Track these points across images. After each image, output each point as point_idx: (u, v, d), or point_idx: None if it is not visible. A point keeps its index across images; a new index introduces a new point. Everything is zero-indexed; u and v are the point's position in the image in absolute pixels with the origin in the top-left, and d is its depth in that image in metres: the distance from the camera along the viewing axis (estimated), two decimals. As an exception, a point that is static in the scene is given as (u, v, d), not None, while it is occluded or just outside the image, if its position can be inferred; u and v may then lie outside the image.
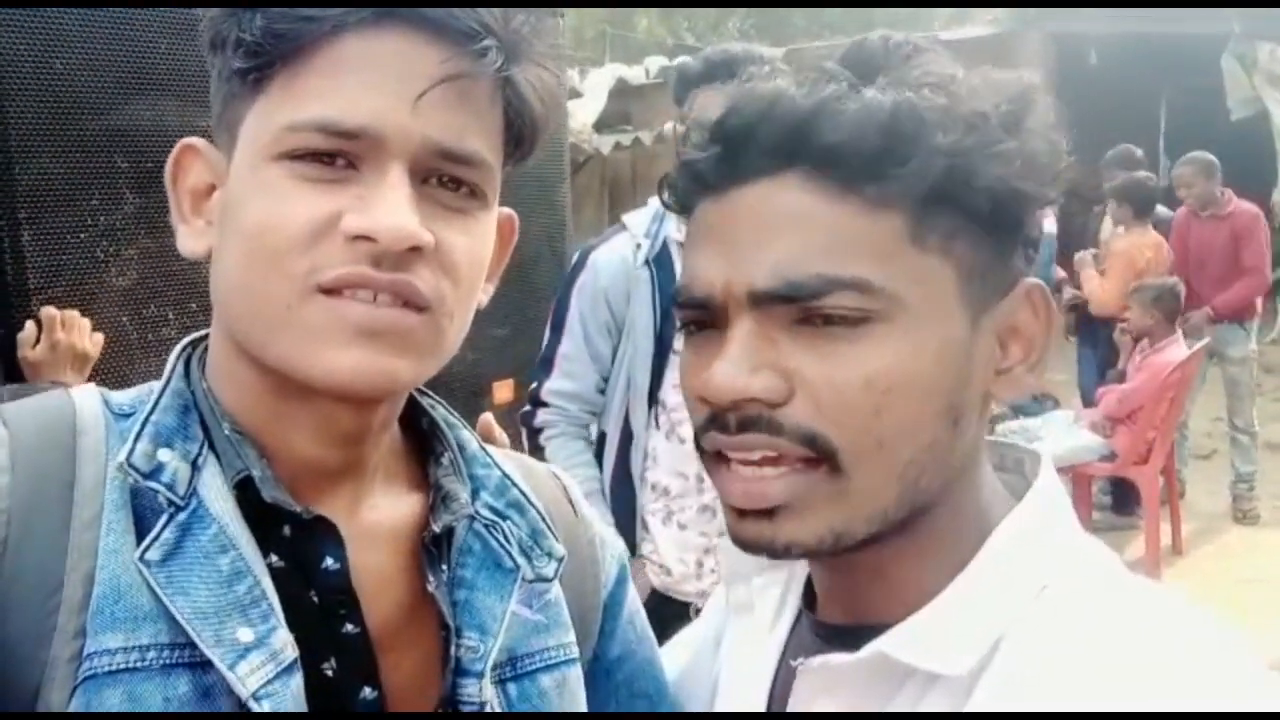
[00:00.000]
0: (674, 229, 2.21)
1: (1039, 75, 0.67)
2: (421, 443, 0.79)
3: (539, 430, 2.27)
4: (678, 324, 0.71)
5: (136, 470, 0.64)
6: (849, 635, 0.69)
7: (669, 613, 2.10)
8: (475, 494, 0.77)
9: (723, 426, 0.65)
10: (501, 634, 0.73)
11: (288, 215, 0.63)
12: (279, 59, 0.63)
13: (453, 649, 0.72)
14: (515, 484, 0.79)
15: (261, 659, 0.62)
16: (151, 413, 0.67)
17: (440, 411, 0.80)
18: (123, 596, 0.62)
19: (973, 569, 0.65)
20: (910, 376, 0.62)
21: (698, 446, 0.69)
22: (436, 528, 0.73)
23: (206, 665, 0.62)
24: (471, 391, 2.88)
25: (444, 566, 0.74)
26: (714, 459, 0.67)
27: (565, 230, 2.96)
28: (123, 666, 0.61)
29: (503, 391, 2.90)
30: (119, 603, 0.62)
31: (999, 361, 0.67)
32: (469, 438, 0.80)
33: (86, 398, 0.69)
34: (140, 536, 0.63)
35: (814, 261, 0.62)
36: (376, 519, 0.73)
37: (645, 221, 2.24)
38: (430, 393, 0.80)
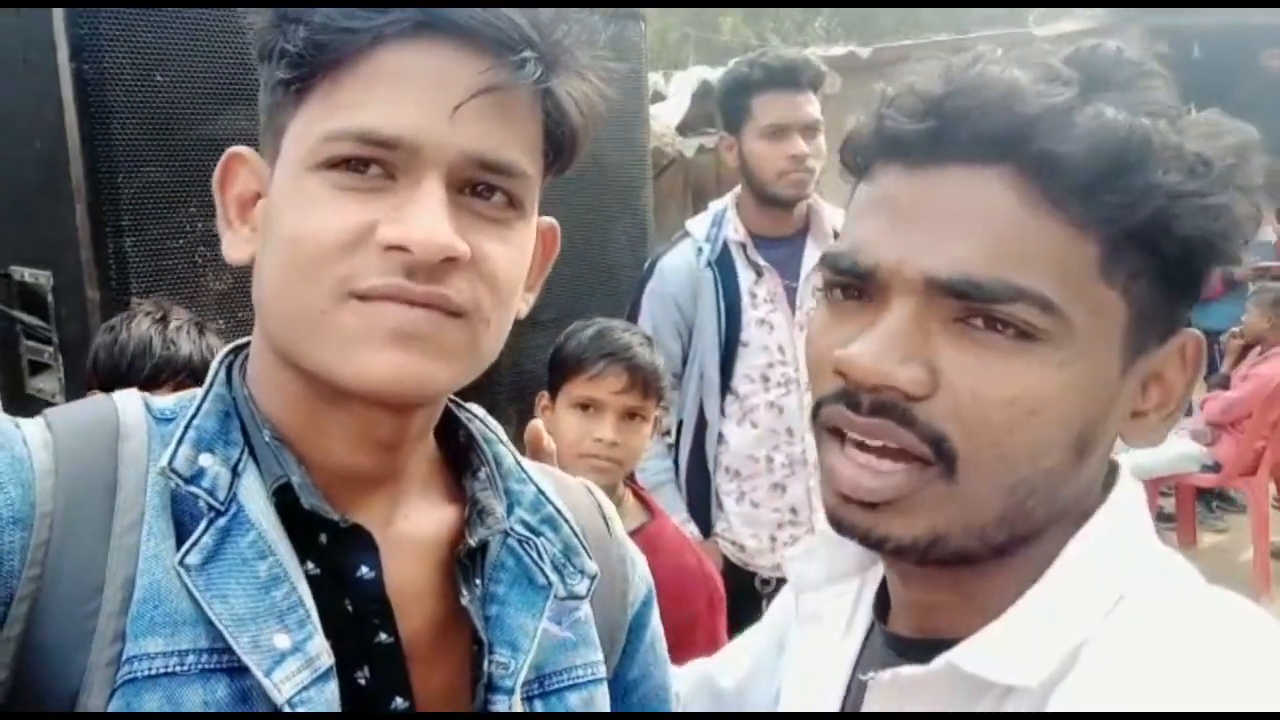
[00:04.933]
0: (731, 231, 2.37)
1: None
2: (458, 455, 0.79)
3: None
4: (820, 285, 0.70)
5: (178, 475, 0.64)
6: (922, 648, 0.68)
7: (739, 584, 2.28)
8: (510, 509, 0.77)
9: (853, 405, 0.63)
10: (533, 651, 0.73)
11: (324, 224, 0.63)
12: (320, 69, 0.63)
13: (485, 664, 0.72)
14: (550, 500, 0.79)
15: (297, 665, 0.63)
16: (194, 418, 0.67)
17: (478, 425, 0.80)
18: (163, 601, 0.62)
19: (1048, 580, 0.64)
20: (1055, 404, 0.61)
21: (814, 414, 0.67)
22: (472, 542, 0.73)
23: (245, 670, 0.62)
24: (554, 394, 2.91)
25: (477, 581, 0.74)
26: (829, 433, 0.66)
27: (647, 235, 2.97)
28: (162, 671, 0.61)
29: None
30: (159, 607, 0.62)
31: (1136, 404, 0.66)
32: (505, 452, 0.80)
33: (129, 402, 0.70)
34: (180, 541, 0.64)
35: (1002, 266, 0.59)
36: (411, 530, 0.73)
37: (706, 226, 2.40)
38: (468, 405, 0.79)
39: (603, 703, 0.79)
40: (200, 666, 0.62)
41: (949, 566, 0.65)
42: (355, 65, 0.63)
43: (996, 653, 0.62)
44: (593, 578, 0.78)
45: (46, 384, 2.40)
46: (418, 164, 0.63)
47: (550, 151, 0.70)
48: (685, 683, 1.00)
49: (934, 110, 0.62)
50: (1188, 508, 5.00)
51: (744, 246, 2.34)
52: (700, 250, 2.35)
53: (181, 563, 0.62)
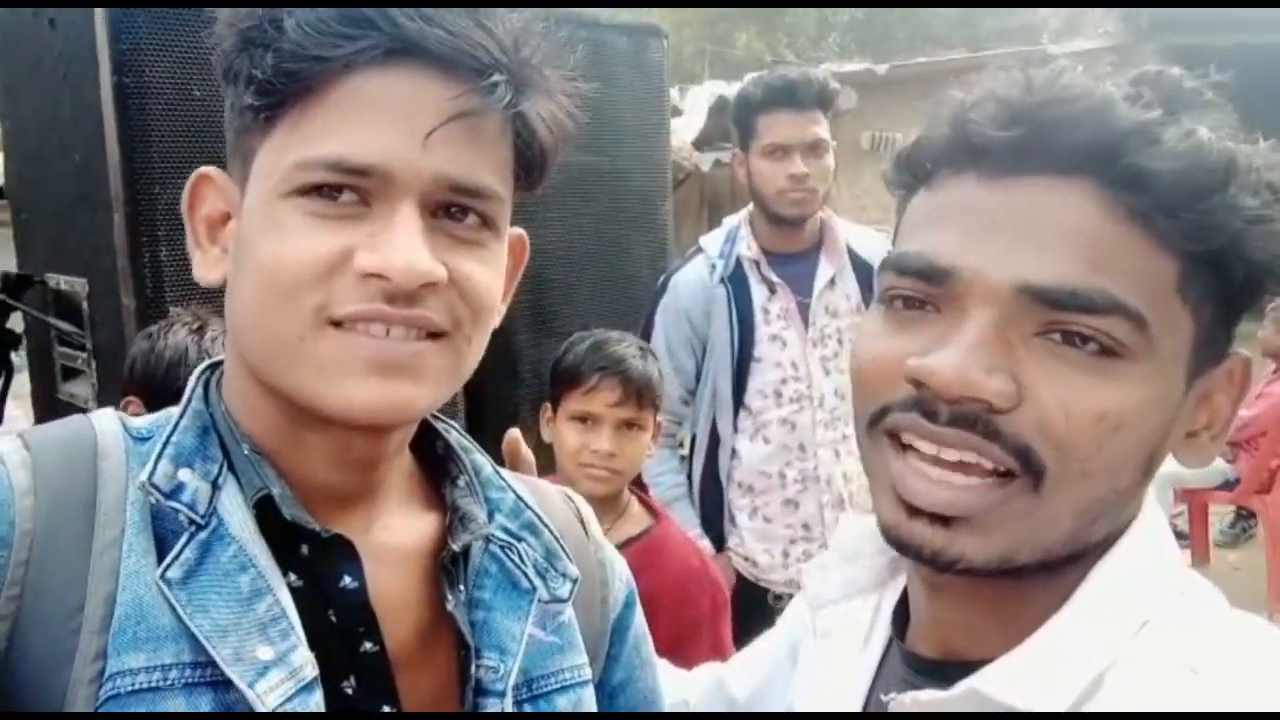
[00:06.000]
0: (744, 247, 2.37)
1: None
2: (436, 466, 0.79)
3: None
4: (876, 294, 0.68)
5: (158, 490, 0.65)
6: (943, 670, 0.67)
7: (751, 600, 2.34)
8: (491, 516, 0.77)
9: (929, 414, 0.61)
10: (520, 654, 0.73)
11: (300, 251, 0.63)
12: (290, 97, 0.63)
13: (473, 669, 0.72)
14: (529, 506, 0.80)
15: (281, 676, 0.63)
16: (172, 434, 0.68)
17: (455, 435, 0.80)
18: (145, 616, 0.62)
19: (1075, 604, 0.64)
20: (1137, 422, 0.60)
21: (873, 421, 0.65)
22: (456, 546, 0.73)
23: (229, 684, 0.62)
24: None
25: (461, 587, 0.74)
26: (891, 441, 0.64)
27: (666, 249, 3.01)
28: (145, 686, 0.61)
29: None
30: (141, 623, 0.62)
31: (1191, 424, 0.66)
32: (483, 461, 0.81)
33: (106, 422, 0.70)
34: (161, 557, 0.64)
35: (1099, 277, 0.59)
36: (392, 540, 0.74)
37: (719, 242, 2.41)
38: (444, 417, 0.80)
39: (590, 705, 0.80)
40: (184, 681, 0.61)
41: (994, 585, 0.64)
42: (326, 92, 0.63)
43: (1021, 679, 0.61)
44: (574, 581, 0.79)
45: (79, 389, 2.46)
46: (392, 190, 0.63)
47: (520, 171, 0.70)
48: (699, 688, 1.01)
49: (1023, 118, 0.60)
50: (1201, 524, 5.00)
51: (757, 263, 2.36)
52: (714, 266, 2.36)
53: (163, 577, 0.62)
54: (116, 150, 1.99)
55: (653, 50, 2.90)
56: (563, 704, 0.77)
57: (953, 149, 0.64)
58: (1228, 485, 4.90)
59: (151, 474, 0.65)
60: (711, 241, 2.43)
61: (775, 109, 2.30)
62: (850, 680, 0.76)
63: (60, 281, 2.44)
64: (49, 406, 2.61)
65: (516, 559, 0.77)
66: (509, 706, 0.72)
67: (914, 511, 0.62)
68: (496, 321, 0.73)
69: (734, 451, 2.38)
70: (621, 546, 1.80)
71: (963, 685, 0.63)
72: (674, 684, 1.00)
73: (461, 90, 0.63)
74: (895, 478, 0.63)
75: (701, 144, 6.90)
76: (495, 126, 0.66)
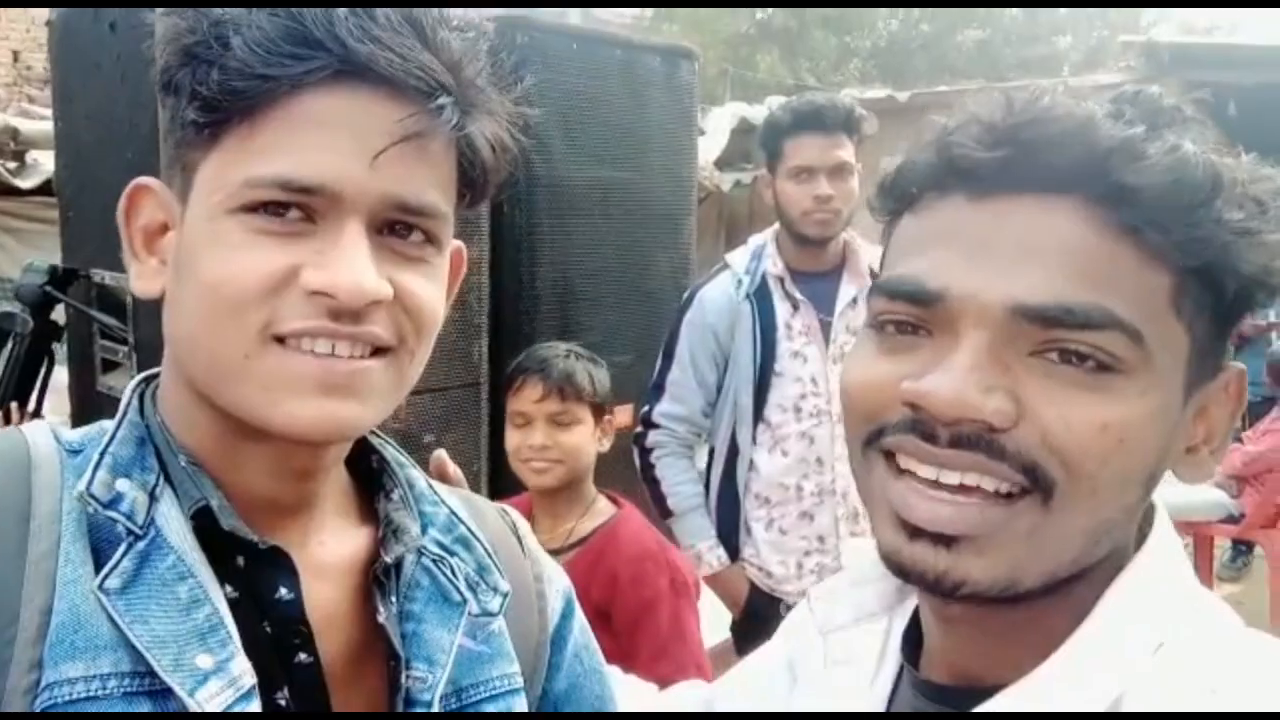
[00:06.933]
0: (770, 264, 2.43)
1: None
2: (369, 480, 0.80)
3: (650, 450, 2.49)
4: (868, 320, 0.67)
5: (96, 500, 0.64)
6: (957, 697, 0.67)
7: (764, 609, 2.40)
8: (424, 529, 0.78)
9: (928, 436, 0.60)
10: (449, 665, 0.74)
11: (246, 268, 0.63)
12: (236, 113, 0.63)
13: (402, 679, 0.73)
14: (462, 521, 0.80)
15: (220, 685, 0.63)
16: (109, 445, 0.67)
17: (390, 450, 0.81)
18: (82, 626, 0.61)
19: (1089, 627, 0.63)
20: (1140, 434, 0.59)
21: (867, 442, 0.65)
22: (389, 558, 0.74)
23: (167, 693, 0.62)
24: (594, 414, 3.02)
25: (393, 599, 0.75)
26: (888, 463, 0.63)
27: (690, 265, 3.07)
28: (84, 696, 0.60)
29: (623, 415, 3.01)
30: (79, 632, 0.61)
31: (1189, 440, 0.65)
32: (417, 476, 0.81)
33: (39, 434, 0.69)
34: (98, 567, 0.63)
35: (1093, 293, 0.58)
36: (327, 553, 0.74)
37: (745, 259, 2.47)
38: (377, 432, 0.81)
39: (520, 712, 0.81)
40: (122, 690, 0.61)
41: (1002, 615, 0.63)
42: (273, 111, 0.63)
43: (1036, 705, 0.61)
44: (505, 595, 0.80)
45: (118, 381, 2.53)
46: (340, 209, 0.64)
47: (464, 188, 0.71)
48: (685, 704, 0.99)
49: (1007, 139, 0.61)
50: (1206, 557, 5.02)
51: (782, 280, 2.41)
52: (740, 282, 2.42)
53: (101, 587, 0.62)
54: (170, 151, 2.06)
55: (684, 72, 2.98)
56: (491, 711, 0.78)
57: (938, 172, 0.64)
58: (1230, 519, 4.92)
59: (90, 484, 0.65)
60: (737, 258, 2.50)
61: (802, 133, 2.36)
62: (863, 708, 0.75)
63: (105, 277, 2.52)
64: (89, 398, 2.69)
65: (448, 572, 0.77)
66: None
67: (915, 533, 0.61)
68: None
69: (752, 463, 2.42)
70: (588, 537, 1.92)
71: (979, 712, 0.62)
72: (651, 703, 1.00)
73: (409, 112, 0.64)
74: (893, 499, 0.62)
75: (722, 164, 6.99)
76: (441, 146, 0.67)
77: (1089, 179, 0.59)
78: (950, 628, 0.68)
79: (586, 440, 1.94)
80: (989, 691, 0.63)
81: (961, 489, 0.60)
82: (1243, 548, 5.41)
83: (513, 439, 1.95)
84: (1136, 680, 0.60)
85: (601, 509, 1.96)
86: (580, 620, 0.91)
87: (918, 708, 0.69)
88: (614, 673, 0.98)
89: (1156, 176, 0.58)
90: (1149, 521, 0.68)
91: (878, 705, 0.74)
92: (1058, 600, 0.63)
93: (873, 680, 0.75)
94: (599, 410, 1.97)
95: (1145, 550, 0.65)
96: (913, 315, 0.63)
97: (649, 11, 17.20)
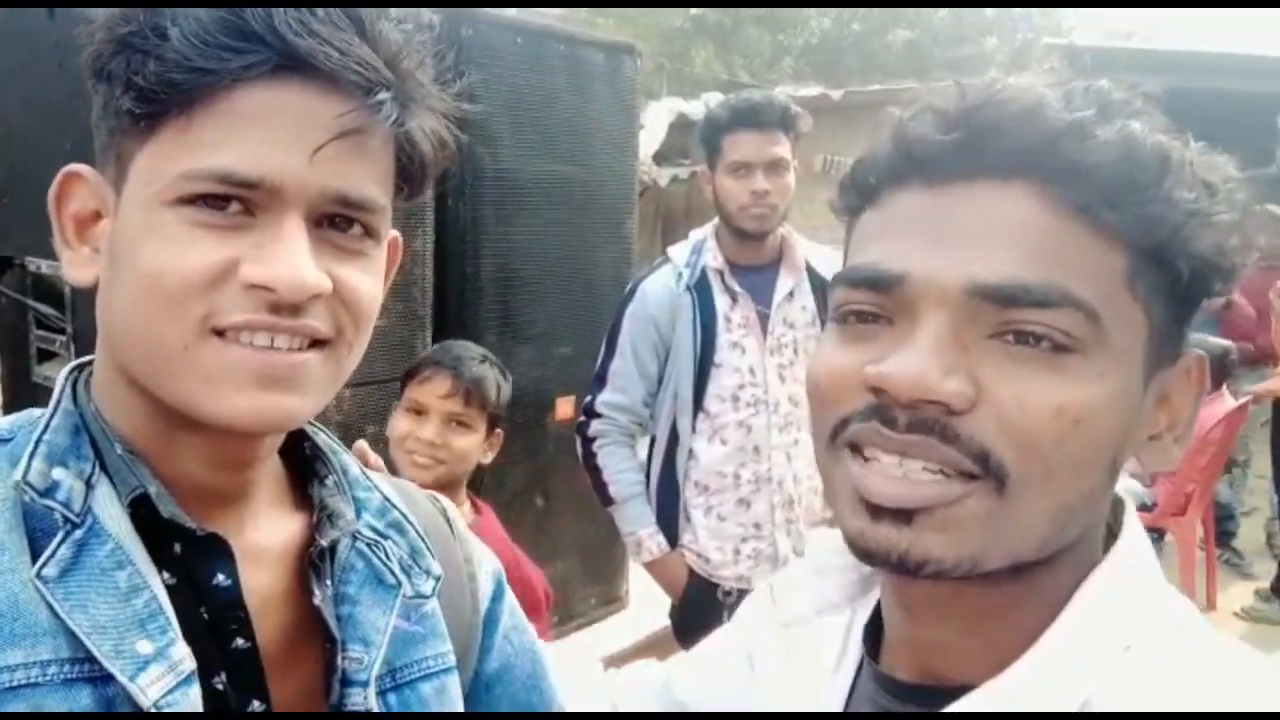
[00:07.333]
0: (710, 258, 2.51)
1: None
2: (303, 466, 0.81)
3: (592, 439, 2.55)
4: (829, 312, 0.68)
5: (32, 488, 0.64)
6: (919, 695, 0.67)
7: (702, 594, 2.49)
8: (358, 514, 0.79)
9: (888, 421, 0.61)
10: (384, 645, 0.76)
11: (185, 261, 0.63)
12: (173, 106, 0.62)
13: (339, 660, 0.74)
14: (395, 505, 0.82)
15: (161, 670, 0.63)
16: (44, 433, 0.67)
17: (323, 438, 0.82)
18: (21, 614, 0.61)
19: (1057, 629, 0.63)
20: (1097, 416, 0.59)
21: (833, 436, 0.64)
22: (324, 542, 0.75)
23: (107, 679, 0.62)
24: (538, 406, 3.06)
25: (328, 582, 0.76)
26: (853, 454, 0.63)
27: (630, 259, 3.13)
28: (24, 682, 0.60)
29: (565, 407, 3.07)
30: (17, 620, 0.61)
31: (1152, 426, 0.66)
32: (351, 462, 0.82)
33: None
34: (35, 556, 0.63)
35: (1048, 272, 0.59)
36: (263, 538, 0.75)
37: (686, 253, 2.54)
38: (314, 421, 0.81)
39: (454, 690, 0.82)
40: (62, 676, 0.61)
41: (967, 598, 0.64)
42: (212, 104, 0.62)
43: (1006, 706, 0.61)
44: (438, 579, 0.81)
45: (54, 371, 2.50)
46: (279, 203, 0.64)
47: (402, 182, 0.72)
48: (641, 688, 0.98)
49: (961, 123, 0.61)
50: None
51: (721, 273, 2.48)
52: (680, 275, 2.48)
53: (39, 575, 0.62)
54: (109, 139, 2.05)
55: (626, 67, 3.04)
56: (426, 690, 0.80)
57: (895, 163, 0.64)
58: (1144, 508, 5.15)
59: (26, 472, 0.64)
60: (678, 251, 2.56)
61: (739, 129, 2.43)
62: (822, 704, 0.74)
63: (41, 265, 2.48)
64: (22, 389, 2.65)
65: (383, 556, 0.78)
66: (372, 695, 0.75)
67: (877, 512, 0.61)
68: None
69: (692, 452, 2.49)
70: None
71: (945, 714, 0.63)
72: (600, 683, 1.01)
73: (349, 107, 0.64)
74: (856, 481, 0.62)
75: (660, 159, 7.05)
76: (380, 140, 0.67)
77: (1041, 160, 0.60)
78: (913, 615, 0.68)
79: (475, 448, 1.94)
80: (952, 690, 0.63)
81: (924, 471, 0.61)
82: (1155, 535, 5.65)
83: (401, 426, 1.92)
84: (1104, 681, 0.60)
85: (464, 513, 1.94)
86: (510, 601, 0.92)
87: (878, 702, 0.70)
88: (555, 651, 0.99)
89: (1106, 155, 0.59)
90: (1119, 520, 0.68)
91: (838, 697, 0.74)
92: (1024, 590, 0.63)
93: (833, 672, 0.75)
94: (494, 422, 1.97)
95: (1116, 551, 0.66)
96: (874, 303, 0.63)
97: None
